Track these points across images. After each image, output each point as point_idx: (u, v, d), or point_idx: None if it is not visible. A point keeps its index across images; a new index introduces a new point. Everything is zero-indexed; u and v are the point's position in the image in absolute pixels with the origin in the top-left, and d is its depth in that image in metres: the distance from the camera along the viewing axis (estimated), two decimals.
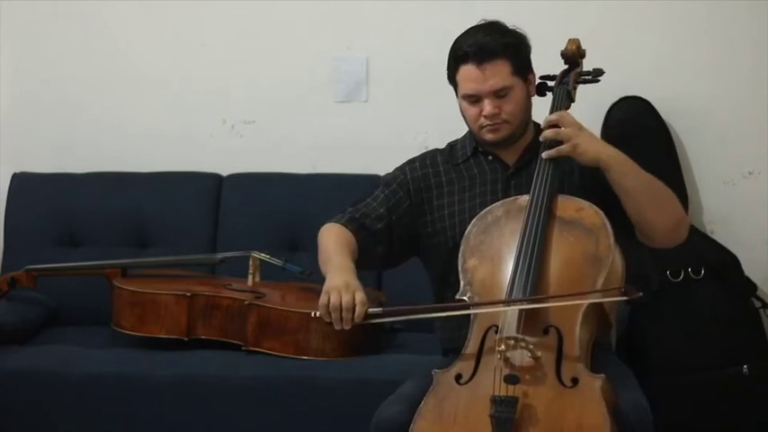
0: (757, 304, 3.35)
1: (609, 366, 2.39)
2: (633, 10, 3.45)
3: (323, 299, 2.34)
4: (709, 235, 3.42)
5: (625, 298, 2.31)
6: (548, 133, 2.45)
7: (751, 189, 3.46)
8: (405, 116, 3.58)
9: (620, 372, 2.52)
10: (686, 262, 3.26)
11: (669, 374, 3.20)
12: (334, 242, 2.56)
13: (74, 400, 2.99)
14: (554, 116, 2.49)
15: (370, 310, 2.34)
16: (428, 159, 2.71)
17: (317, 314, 2.35)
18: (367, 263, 2.61)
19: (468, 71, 2.52)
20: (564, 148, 2.43)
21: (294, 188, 3.51)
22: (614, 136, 3.36)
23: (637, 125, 3.40)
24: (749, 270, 3.33)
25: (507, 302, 2.32)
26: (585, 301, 2.30)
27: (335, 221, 2.63)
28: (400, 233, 2.65)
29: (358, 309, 2.32)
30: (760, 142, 3.44)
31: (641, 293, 2.29)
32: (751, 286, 3.34)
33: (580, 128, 2.46)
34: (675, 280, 3.26)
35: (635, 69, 3.38)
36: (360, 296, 2.33)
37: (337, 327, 2.34)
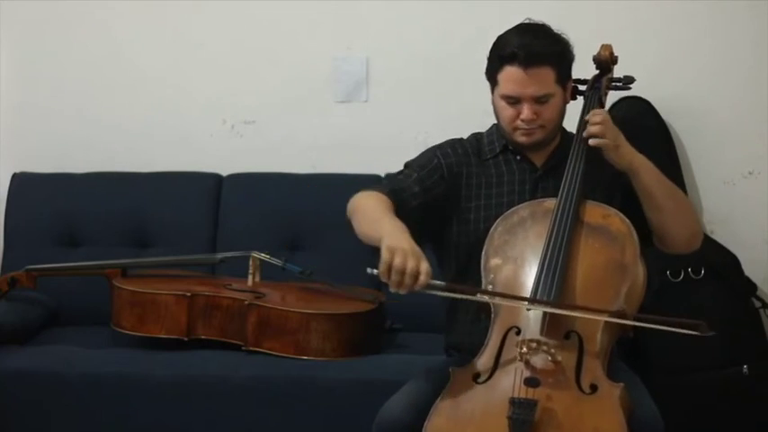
0: (757, 304, 3.35)
1: (618, 373, 2.38)
2: (633, 10, 3.45)
3: (386, 256, 2.21)
4: (710, 235, 3.42)
5: (695, 333, 2.26)
6: (594, 129, 2.46)
7: (751, 189, 3.46)
8: (405, 116, 3.57)
9: (630, 378, 2.51)
10: (686, 262, 3.26)
11: (669, 374, 3.20)
12: (379, 205, 2.45)
13: (74, 400, 2.99)
14: (601, 112, 2.51)
15: (432, 282, 2.23)
16: (458, 148, 2.66)
17: (375, 272, 2.22)
18: None
19: (512, 73, 2.48)
20: (609, 142, 2.45)
21: (294, 188, 3.51)
22: None
23: (637, 125, 3.39)
24: (749, 270, 3.34)
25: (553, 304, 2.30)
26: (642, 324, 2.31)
27: (373, 189, 2.54)
28: (431, 217, 2.59)
29: (422, 278, 2.20)
30: (760, 142, 3.44)
31: (713, 332, 2.25)
32: (751, 286, 3.34)
33: (620, 133, 2.50)
34: (675, 280, 3.26)
35: (635, 69, 3.38)
36: (425, 266, 2.22)
37: (392, 289, 2.23)
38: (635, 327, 2.36)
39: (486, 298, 2.38)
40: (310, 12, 3.58)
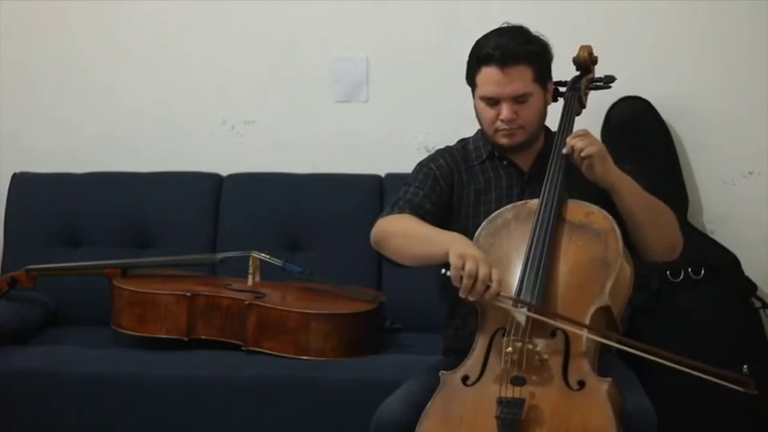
0: (757, 304, 3.35)
1: (612, 368, 2.39)
2: (633, 10, 3.45)
3: (457, 261, 2.22)
4: (710, 235, 3.42)
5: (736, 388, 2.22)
6: (579, 144, 2.41)
7: (751, 189, 3.46)
8: (405, 116, 3.57)
9: (624, 374, 2.52)
10: (686, 262, 3.26)
11: (669, 374, 3.20)
12: (419, 223, 2.45)
13: (74, 400, 2.99)
14: (584, 133, 2.45)
15: (503, 294, 2.25)
16: (448, 157, 2.66)
17: (448, 273, 2.23)
18: None
19: (490, 73, 2.49)
20: (596, 154, 2.39)
21: (294, 188, 3.51)
22: (614, 136, 3.36)
23: (637, 125, 3.40)
24: (749, 270, 3.34)
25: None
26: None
27: (396, 212, 2.52)
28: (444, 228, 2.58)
29: (494, 286, 2.22)
30: (760, 142, 3.44)
31: (756, 392, 2.19)
32: (751, 286, 3.34)
33: (603, 150, 2.44)
34: (675, 280, 3.27)
35: (635, 69, 3.38)
36: (497, 274, 2.24)
37: (463, 295, 2.23)
38: (623, 322, 2.38)
39: (543, 317, 2.30)
40: (310, 12, 3.58)
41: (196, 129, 3.68)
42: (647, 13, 3.45)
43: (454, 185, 2.62)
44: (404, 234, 2.47)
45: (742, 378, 2.21)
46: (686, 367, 2.27)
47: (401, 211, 2.52)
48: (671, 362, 2.28)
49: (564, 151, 2.44)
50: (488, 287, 2.24)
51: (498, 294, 2.25)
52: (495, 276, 2.24)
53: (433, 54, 3.49)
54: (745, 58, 3.43)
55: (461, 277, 2.22)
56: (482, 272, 2.22)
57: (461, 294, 2.24)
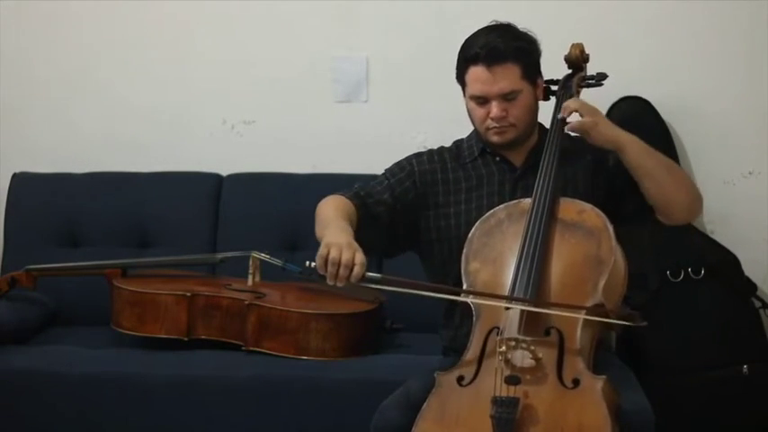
0: (757, 304, 3.35)
1: (610, 367, 2.40)
2: (633, 10, 3.45)
3: (322, 251, 2.29)
4: (710, 235, 3.42)
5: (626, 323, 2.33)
6: (572, 104, 2.48)
7: (751, 189, 3.46)
8: (405, 116, 3.58)
9: (622, 373, 2.53)
10: (686, 262, 3.27)
11: (669, 374, 3.20)
12: (334, 209, 2.52)
13: (74, 400, 2.99)
14: (574, 103, 2.50)
15: (368, 273, 2.30)
16: (435, 155, 2.69)
17: (313, 264, 2.31)
18: (363, 242, 2.52)
19: (477, 72, 2.51)
20: (586, 121, 2.46)
21: (294, 188, 3.51)
22: None
23: (637, 125, 3.37)
24: (749, 270, 3.34)
25: (509, 299, 2.33)
26: (583, 317, 2.31)
27: (339, 193, 2.60)
28: (402, 224, 2.63)
29: (357, 269, 2.28)
30: (760, 142, 3.44)
31: (645, 323, 2.32)
32: (751, 286, 3.34)
33: (597, 111, 2.51)
34: (675, 280, 3.26)
35: (635, 69, 3.39)
36: (360, 257, 2.29)
37: (330, 282, 2.30)
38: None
39: (424, 292, 2.41)
40: (310, 12, 3.59)
41: (196, 129, 3.68)
42: (646, 13, 3.44)
43: (438, 183, 2.63)
44: (319, 215, 2.54)
45: (630, 314, 2.33)
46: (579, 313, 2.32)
47: (344, 194, 2.59)
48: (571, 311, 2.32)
49: (559, 116, 2.49)
50: (352, 270, 2.28)
51: (364, 276, 2.28)
52: (358, 260, 2.28)
53: (434, 54, 3.48)
54: (745, 58, 3.43)
55: (326, 265, 2.28)
56: (345, 257, 2.27)
57: (329, 281, 2.30)
